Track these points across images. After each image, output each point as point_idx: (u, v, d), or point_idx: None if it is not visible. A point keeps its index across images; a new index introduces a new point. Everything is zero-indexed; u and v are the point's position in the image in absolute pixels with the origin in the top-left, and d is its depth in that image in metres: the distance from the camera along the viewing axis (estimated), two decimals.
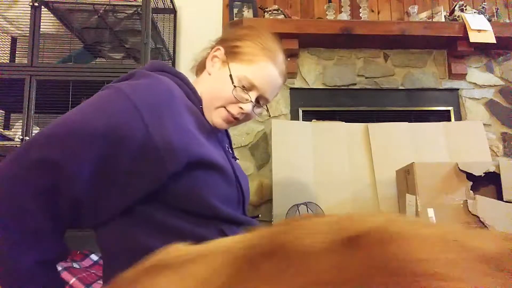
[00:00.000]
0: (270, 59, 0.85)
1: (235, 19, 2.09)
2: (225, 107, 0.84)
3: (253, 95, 0.85)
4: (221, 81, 0.84)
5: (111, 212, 0.69)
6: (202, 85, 0.86)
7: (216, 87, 0.85)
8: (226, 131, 0.99)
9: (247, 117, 0.88)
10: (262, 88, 0.85)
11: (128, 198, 0.68)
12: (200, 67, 0.93)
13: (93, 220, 0.69)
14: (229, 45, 0.86)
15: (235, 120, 0.86)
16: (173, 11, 2.15)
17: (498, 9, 2.22)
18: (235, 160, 0.93)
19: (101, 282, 1.09)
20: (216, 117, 0.84)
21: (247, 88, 0.84)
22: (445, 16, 2.14)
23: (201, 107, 0.84)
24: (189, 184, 0.72)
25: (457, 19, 2.10)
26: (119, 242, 0.71)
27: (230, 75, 0.83)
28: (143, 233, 0.70)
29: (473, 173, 1.47)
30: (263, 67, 0.84)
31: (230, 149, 0.94)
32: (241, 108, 0.84)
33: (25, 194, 0.60)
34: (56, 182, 0.61)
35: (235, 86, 0.82)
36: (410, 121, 1.96)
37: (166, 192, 0.70)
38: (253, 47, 0.84)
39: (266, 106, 0.91)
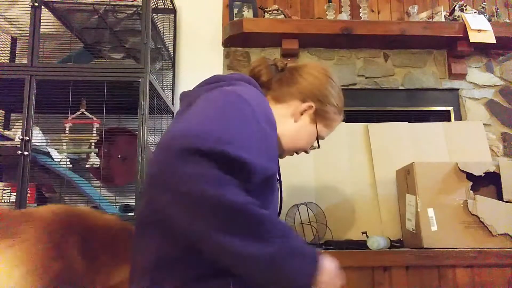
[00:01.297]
0: (341, 118, 1.07)
1: (235, 19, 2.09)
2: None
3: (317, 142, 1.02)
4: (306, 135, 0.99)
5: None
6: (284, 125, 0.95)
7: (300, 137, 0.98)
8: None
9: None
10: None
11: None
12: (283, 97, 0.98)
13: None
14: (321, 108, 0.98)
15: None
16: (173, 11, 2.15)
17: (498, 9, 2.22)
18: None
19: None
20: (285, 154, 1.00)
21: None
22: (445, 16, 2.14)
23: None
24: (262, 193, 0.80)
25: (457, 19, 2.09)
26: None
27: (317, 138, 1.00)
28: None
29: (473, 173, 1.47)
30: (336, 126, 1.05)
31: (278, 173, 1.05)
32: (306, 152, 1.03)
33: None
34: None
35: (318, 146, 1.01)
36: (410, 121, 1.96)
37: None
38: (335, 112, 1.02)
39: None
